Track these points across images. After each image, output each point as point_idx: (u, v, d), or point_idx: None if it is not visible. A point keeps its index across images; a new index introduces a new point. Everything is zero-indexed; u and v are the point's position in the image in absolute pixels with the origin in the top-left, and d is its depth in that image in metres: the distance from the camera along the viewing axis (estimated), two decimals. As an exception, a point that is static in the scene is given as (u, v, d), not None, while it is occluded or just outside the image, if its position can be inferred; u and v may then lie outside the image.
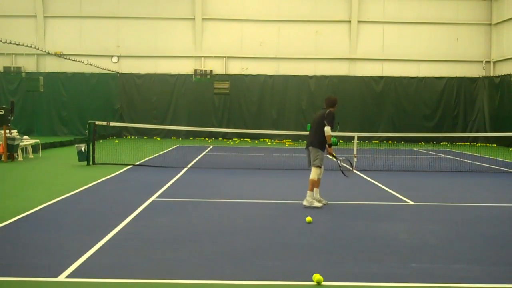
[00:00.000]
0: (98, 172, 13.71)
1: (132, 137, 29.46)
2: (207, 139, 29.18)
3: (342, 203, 10.08)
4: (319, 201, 9.57)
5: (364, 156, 18.59)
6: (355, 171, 15.07)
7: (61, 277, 5.41)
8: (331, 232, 7.67)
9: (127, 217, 8.25)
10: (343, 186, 12.31)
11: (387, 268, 5.91)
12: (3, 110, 16.22)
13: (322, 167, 9.64)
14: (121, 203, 9.57)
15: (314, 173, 9.45)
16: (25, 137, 18.69)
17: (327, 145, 9.65)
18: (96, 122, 16.25)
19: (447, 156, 20.88)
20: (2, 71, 29.22)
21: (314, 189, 9.55)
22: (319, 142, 9.59)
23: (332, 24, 29.72)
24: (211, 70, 29.65)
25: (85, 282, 5.32)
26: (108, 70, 29.26)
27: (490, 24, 29.66)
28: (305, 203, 9.39)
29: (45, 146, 20.05)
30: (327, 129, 9.49)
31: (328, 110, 9.67)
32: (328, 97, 10.04)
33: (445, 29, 29.85)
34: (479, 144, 28.72)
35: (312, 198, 9.38)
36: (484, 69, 29.85)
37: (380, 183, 12.65)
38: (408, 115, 29.67)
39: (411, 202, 10.20)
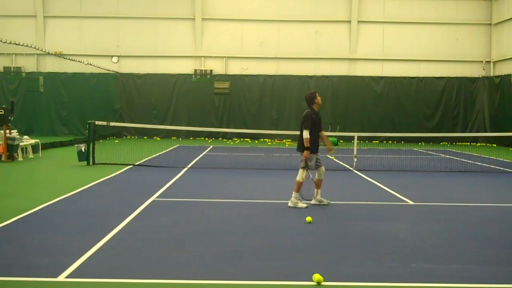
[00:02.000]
0: (98, 172, 13.71)
1: (132, 137, 29.47)
2: (207, 139, 29.18)
3: (342, 203, 10.08)
4: (320, 202, 9.59)
5: (364, 156, 18.58)
6: (355, 171, 15.09)
7: (61, 277, 5.40)
8: (331, 232, 7.66)
9: (127, 217, 8.25)
10: (343, 186, 12.31)
11: (387, 268, 5.91)
12: (3, 110, 16.22)
13: (322, 166, 9.66)
14: (121, 203, 9.57)
15: (299, 175, 9.44)
16: (25, 137, 18.69)
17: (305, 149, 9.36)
18: (96, 122, 16.25)
19: (447, 156, 20.88)
20: (2, 71, 29.22)
21: (316, 190, 9.60)
22: (302, 147, 9.51)
23: (332, 24, 29.73)
24: (211, 70, 29.65)
25: (85, 282, 5.32)
26: (108, 70, 29.26)
27: (490, 24, 29.67)
28: (290, 204, 9.40)
29: (45, 146, 20.05)
30: (305, 133, 9.38)
31: (306, 111, 9.56)
32: (305, 96, 9.86)
33: (445, 29, 29.86)
34: (479, 144, 28.73)
35: (296, 199, 9.38)
36: (484, 69, 29.86)
37: (380, 183, 12.64)
38: (408, 115, 29.69)
39: (411, 202, 10.20)
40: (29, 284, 5.26)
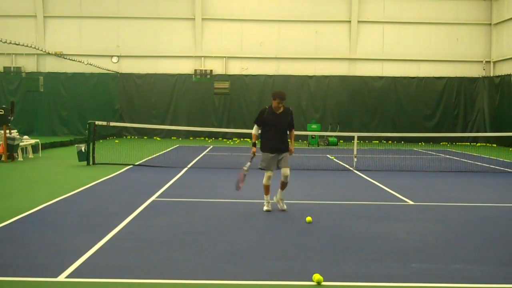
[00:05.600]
0: (98, 172, 13.71)
1: (132, 137, 29.47)
2: (207, 139, 29.18)
3: (342, 203, 10.09)
4: (277, 202, 9.13)
5: (364, 156, 18.58)
6: (355, 171, 15.09)
7: (61, 277, 5.40)
8: (331, 232, 7.66)
9: (127, 217, 8.25)
10: (343, 186, 12.32)
11: (387, 268, 5.91)
12: (3, 110, 16.22)
13: (284, 168, 8.98)
14: (121, 203, 9.57)
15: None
16: (25, 137, 18.68)
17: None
18: (96, 122, 16.24)
19: (447, 156, 20.88)
20: (2, 71, 29.22)
21: (279, 190, 9.09)
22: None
23: (332, 24, 29.73)
24: (211, 70, 29.66)
25: (85, 282, 5.31)
26: (108, 70, 29.27)
27: (490, 24, 29.67)
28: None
29: (45, 146, 20.05)
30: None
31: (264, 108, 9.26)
32: (282, 92, 9.15)
33: (445, 29, 29.86)
34: (479, 144, 28.74)
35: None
36: (484, 69, 29.86)
37: (380, 183, 12.64)
38: (408, 115, 29.69)
39: (411, 202, 10.20)
40: (29, 284, 5.25)
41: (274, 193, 9.25)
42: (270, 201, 9.11)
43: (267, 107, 9.14)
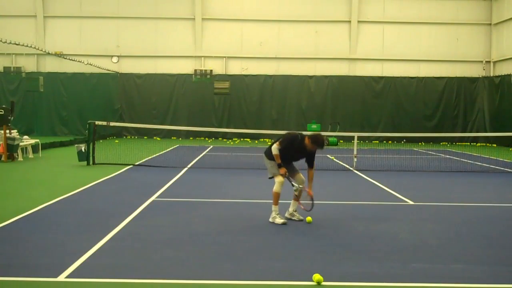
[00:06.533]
0: (98, 172, 13.70)
1: (132, 137, 29.47)
2: (207, 139, 29.18)
3: (342, 203, 10.09)
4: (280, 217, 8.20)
5: (364, 156, 18.58)
6: (355, 171, 15.08)
7: (61, 277, 5.40)
8: (331, 232, 7.66)
9: (127, 217, 8.25)
10: (343, 186, 12.32)
11: (387, 268, 5.91)
12: (3, 110, 16.22)
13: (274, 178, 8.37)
14: (121, 203, 9.57)
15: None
16: (25, 137, 18.70)
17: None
18: (96, 122, 16.24)
19: (447, 156, 20.88)
20: (2, 71, 29.24)
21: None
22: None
23: (332, 24, 29.73)
24: (211, 70, 29.66)
25: (85, 282, 5.32)
26: (108, 70, 29.27)
27: (490, 24, 29.68)
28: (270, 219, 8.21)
29: (45, 146, 20.05)
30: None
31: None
32: (323, 140, 8.23)
33: (445, 29, 29.87)
34: (479, 144, 28.74)
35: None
36: (484, 69, 29.86)
37: (380, 183, 12.64)
38: (408, 115, 29.70)
39: (411, 202, 10.20)
40: (29, 284, 5.26)
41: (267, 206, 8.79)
42: (284, 219, 8.17)
43: (299, 136, 8.32)
